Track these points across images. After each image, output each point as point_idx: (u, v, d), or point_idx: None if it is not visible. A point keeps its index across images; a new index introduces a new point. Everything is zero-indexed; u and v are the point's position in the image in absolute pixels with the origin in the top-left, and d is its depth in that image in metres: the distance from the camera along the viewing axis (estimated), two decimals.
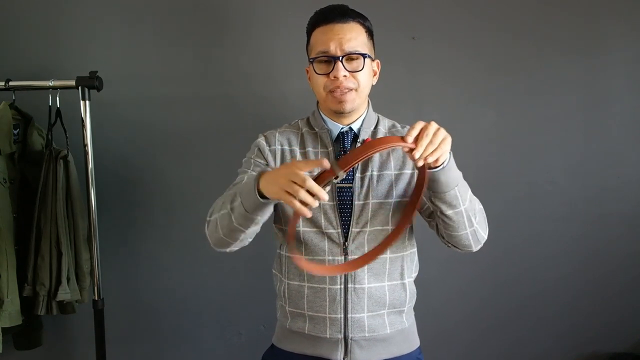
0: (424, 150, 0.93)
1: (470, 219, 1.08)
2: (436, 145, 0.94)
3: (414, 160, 0.95)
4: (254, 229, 1.09)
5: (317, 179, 0.91)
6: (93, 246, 1.66)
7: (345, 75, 1.12)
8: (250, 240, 1.15)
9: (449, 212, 1.05)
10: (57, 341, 1.84)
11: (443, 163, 0.99)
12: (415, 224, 1.24)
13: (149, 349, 1.87)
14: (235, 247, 1.15)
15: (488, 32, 1.80)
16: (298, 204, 0.89)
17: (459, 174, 1.06)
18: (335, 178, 0.91)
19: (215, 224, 1.11)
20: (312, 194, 0.89)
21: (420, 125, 0.95)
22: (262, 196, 0.98)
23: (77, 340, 1.85)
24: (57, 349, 1.85)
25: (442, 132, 0.95)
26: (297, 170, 0.90)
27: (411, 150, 0.94)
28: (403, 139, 0.94)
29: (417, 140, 0.94)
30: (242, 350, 1.87)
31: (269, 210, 1.05)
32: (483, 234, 1.13)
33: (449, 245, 1.16)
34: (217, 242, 1.14)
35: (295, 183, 0.89)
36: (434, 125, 0.95)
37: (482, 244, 1.14)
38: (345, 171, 0.92)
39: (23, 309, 1.58)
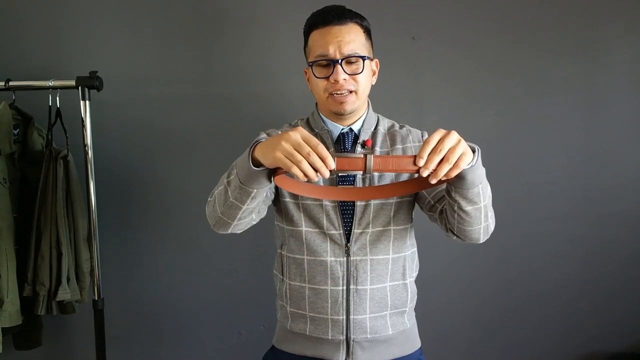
0: (438, 169, 0.86)
1: (487, 214, 1.05)
2: (452, 163, 0.86)
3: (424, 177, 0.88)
4: (252, 207, 1.03)
5: (343, 162, 0.88)
6: (93, 246, 1.66)
7: (345, 79, 1.11)
8: (254, 222, 1.12)
9: (468, 208, 1.01)
10: (57, 341, 1.84)
11: (472, 162, 0.92)
12: (415, 224, 1.24)
13: (149, 349, 1.87)
14: (236, 229, 1.10)
15: (488, 32, 1.80)
16: (298, 172, 0.86)
17: (484, 170, 0.99)
18: (364, 173, 0.87)
19: (213, 202, 1.08)
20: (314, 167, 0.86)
21: (434, 140, 0.86)
22: (257, 165, 0.95)
23: (77, 340, 1.85)
24: (57, 349, 1.85)
25: (461, 147, 0.87)
26: (300, 139, 0.87)
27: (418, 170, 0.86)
28: (415, 161, 0.86)
29: (431, 155, 0.86)
30: (242, 350, 1.87)
31: (264, 183, 0.98)
32: (493, 226, 1.11)
33: (455, 236, 1.13)
34: (216, 221, 1.09)
35: (298, 152, 0.86)
36: (452, 139, 0.87)
37: (489, 236, 1.12)
38: (374, 171, 0.88)
39: (23, 309, 1.58)
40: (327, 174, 0.87)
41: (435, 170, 0.87)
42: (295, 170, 0.86)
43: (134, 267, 1.85)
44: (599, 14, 1.80)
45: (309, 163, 0.86)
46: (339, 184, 1.16)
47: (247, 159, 0.95)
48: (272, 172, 0.97)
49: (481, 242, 1.12)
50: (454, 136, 0.87)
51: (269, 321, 1.85)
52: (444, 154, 0.86)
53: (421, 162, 0.86)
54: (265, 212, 1.16)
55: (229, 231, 1.10)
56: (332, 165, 0.87)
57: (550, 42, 1.80)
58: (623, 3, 1.80)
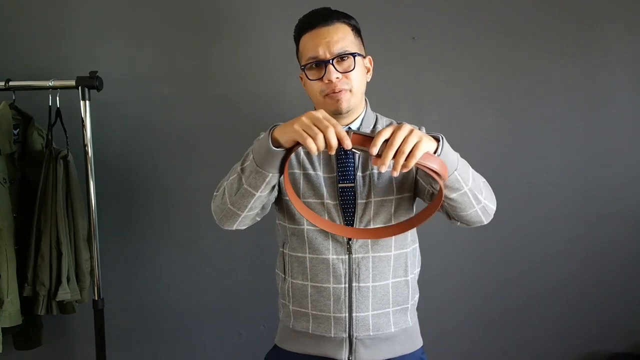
0: (395, 162, 0.87)
1: (477, 196, 1.05)
2: (407, 152, 0.87)
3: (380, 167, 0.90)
4: (264, 195, 1.05)
5: (357, 138, 0.91)
6: (93, 246, 1.66)
7: (338, 77, 1.12)
8: (259, 218, 1.14)
9: (452, 195, 1.02)
10: (57, 341, 1.84)
11: (436, 152, 0.93)
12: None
13: (149, 349, 1.87)
14: (242, 224, 1.12)
15: (488, 32, 1.81)
16: (313, 145, 0.89)
17: (456, 155, 1.00)
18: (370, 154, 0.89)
19: (222, 194, 1.09)
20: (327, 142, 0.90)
21: (385, 134, 0.88)
22: (276, 146, 0.97)
23: (77, 340, 1.85)
24: (57, 349, 1.85)
25: (415, 136, 0.88)
26: (321, 117, 0.91)
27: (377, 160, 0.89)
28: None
29: (385, 150, 0.87)
30: (242, 350, 1.87)
31: (280, 166, 1.00)
32: (492, 206, 1.11)
33: (458, 222, 1.13)
34: (223, 214, 1.10)
35: (316, 126, 0.90)
36: (404, 130, 0.88)
37: (492, 216, 1.12)
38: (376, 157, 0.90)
39: (23, 309, 1.58)
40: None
41: (393, 164, 0.88)
42: (310, 142, 0.89)
43: (134, 267, 1.85)
44: (599, 14, 1.80)
45: (325, 139, 0.89)
46: (339, 183, 1.16)
47: (267, 139, 0.98)
48: (287, 155, 0.99)
49: (485, 223, 1.12)
50: (406, 127, 0.89)
51: (269, 321, 1.85)
52: (398, 146, 0.87)
53: (374, 151, 0.87)
54: (269, 209, 1.17)
55: (234, 226, 1.12)
56: (349, 145, 0.89)
57: (550, 42, 1.81)
58: (623, 3, 1.80)
